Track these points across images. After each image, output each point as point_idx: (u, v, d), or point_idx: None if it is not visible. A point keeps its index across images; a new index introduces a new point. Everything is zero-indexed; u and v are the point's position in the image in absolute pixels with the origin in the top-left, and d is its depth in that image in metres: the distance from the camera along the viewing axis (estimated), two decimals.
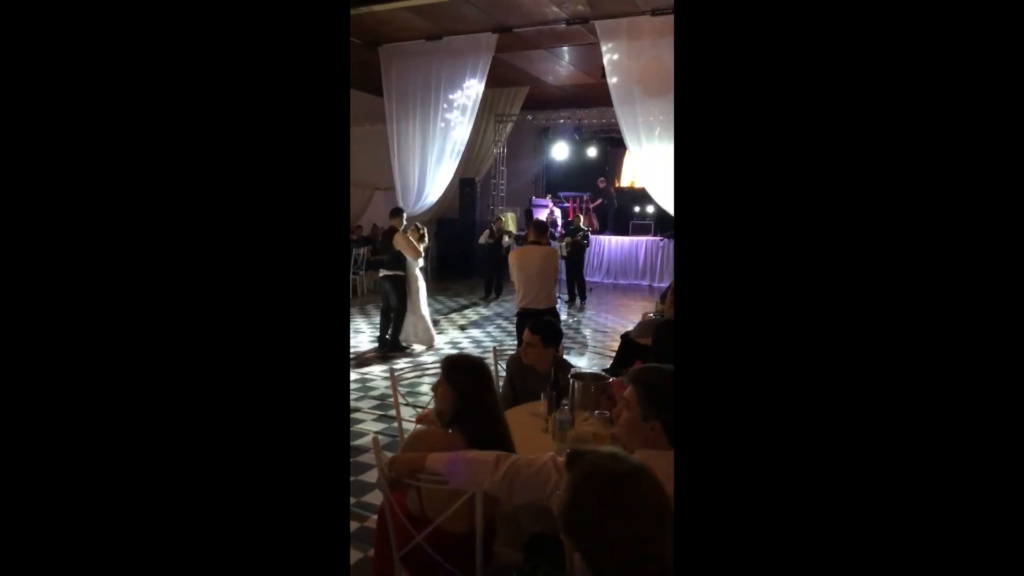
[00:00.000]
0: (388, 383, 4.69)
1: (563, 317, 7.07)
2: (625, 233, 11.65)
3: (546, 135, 13.22)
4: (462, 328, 7.43)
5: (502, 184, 12.20)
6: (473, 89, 7.66)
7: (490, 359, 3.07)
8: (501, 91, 10.61)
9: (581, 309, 8.89)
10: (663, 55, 6.35)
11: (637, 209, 12.39)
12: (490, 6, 6.68)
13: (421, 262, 6.18)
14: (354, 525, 2.80)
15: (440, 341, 6.56)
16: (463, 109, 7.77)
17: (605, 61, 6.75)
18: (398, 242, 5.98)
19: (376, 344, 6.35)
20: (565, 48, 8.27)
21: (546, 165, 13.68)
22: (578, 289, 9.30)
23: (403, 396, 2.87)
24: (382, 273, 6.23)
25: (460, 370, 1.91)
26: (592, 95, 9.94)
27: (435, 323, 6.93)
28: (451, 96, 7.80)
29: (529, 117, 11.77)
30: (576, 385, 2.35)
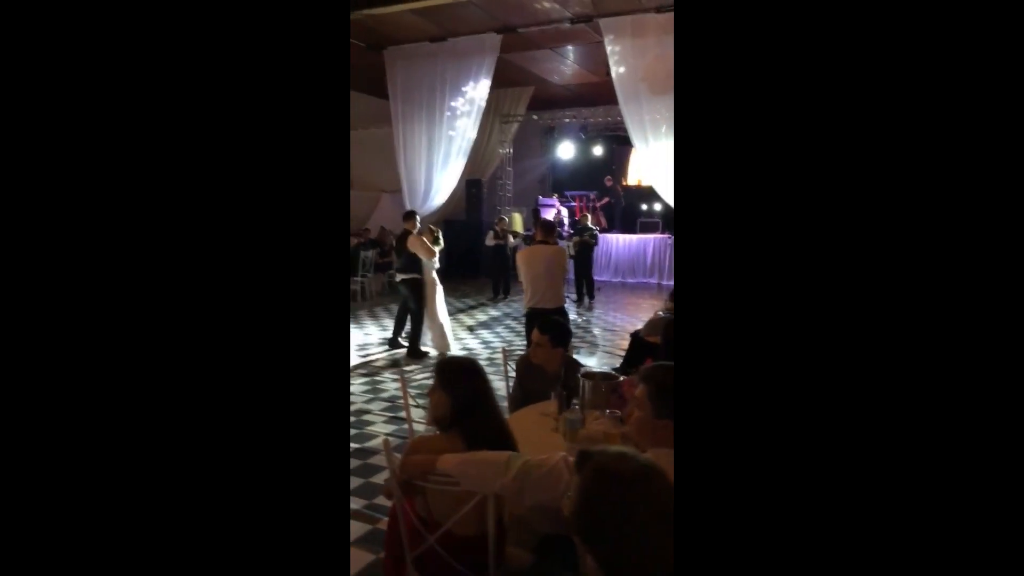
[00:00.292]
0: (398, 385, 4.69)
1: (572, 316, 7.05)
2: (633, 231, 11.63)
3: (552, 134, 13.20)
4: (471, 329, 7.43)
5: (508, 184, 12.20)
6: (478, 90, 7.66)
7: (499, 359, 3.06)
8: (506, 91, 10.61)
9: (590, 308, 8.88)
10: (668, 52, 6.31)
11: (644, 207, 12.36)
12: (494, 7, 6.67)
13: (437, 263, 6.13)
14: (365, 528, 2.80)
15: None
16: (469, 110, 7.77)
17: (610, 59, 6.73)
18: (412, 244, 5.93)
19: (399, 350, 6.27)
20: (570, 47, 8.26)
21: (552, 164, 13.66)
22: (587, 288, 9.29)
23: (413, 398, 2.87)
24: (398, 277, 6.16)
25: (453, 373, 1.87)
26: (597, 94, 9.92)
27: None
28: (456, 97, 7.81)
29: (534, 117, 11.76)
30: (586, 384, 2.34)
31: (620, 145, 12.73)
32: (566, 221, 11.54)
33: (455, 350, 6.22)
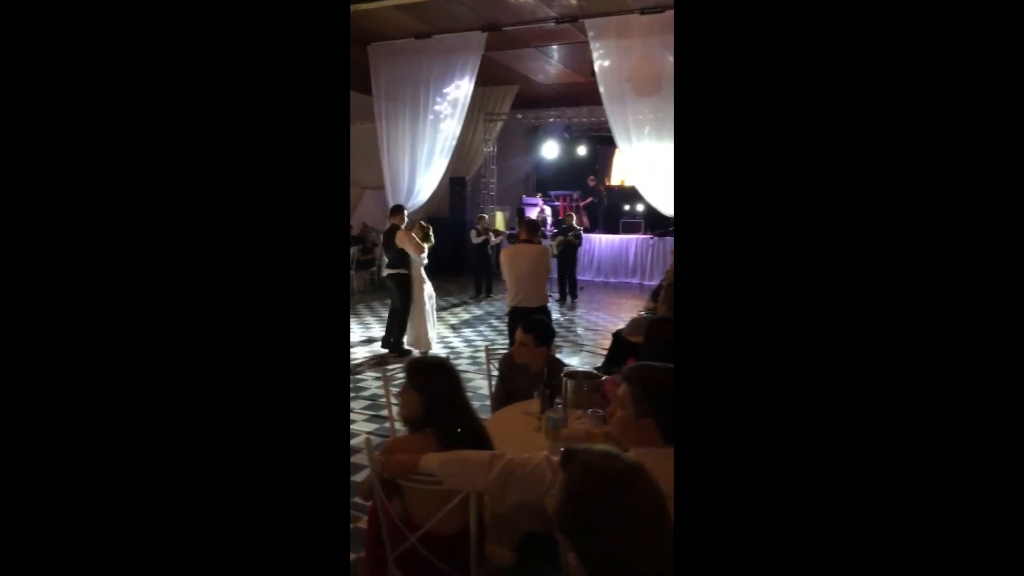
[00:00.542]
0: (379, 383, 4.66)
1: (555, 315, 7.06)
2: (615, 231, 11.67)
3: (536, 134, 13.21)
4: (453, 327, 7.41)
5: (492, 183, 12.18)
6: (463, 87, 7.64)
7: (482, 358, 3.06)
8: (491, 89, 10.58)
9: (573, 307, 8.90)
10: (653, 53, 6.35)
11: (627, 207, 12.40)
12: (479, 4, 6.66)
13: (425, 260, 6.07)
14: None
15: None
16: (453, 107, 7.74)
17: (595, 59, 6.75)
18: (401, 240, 5.86)
19: (376, 344, 6.23)
20: (555, 47, 8.27)
21: (536, 164, 13.66)
22: (569, 287, 9.31)
23: (395, 396, 2.85)
24: (385, 272, 6.10)
25: (424, 373, 1.86)
26: (582, 94, 9.94)
27: None
28: (441, 94, 7.77)
29: (519, 116, 11.75)
30: (569, 384, 2.34)
31: (604, 145, 12.77)
32: (550, 220, 11.55)
33: (436, 349, 6.19)
